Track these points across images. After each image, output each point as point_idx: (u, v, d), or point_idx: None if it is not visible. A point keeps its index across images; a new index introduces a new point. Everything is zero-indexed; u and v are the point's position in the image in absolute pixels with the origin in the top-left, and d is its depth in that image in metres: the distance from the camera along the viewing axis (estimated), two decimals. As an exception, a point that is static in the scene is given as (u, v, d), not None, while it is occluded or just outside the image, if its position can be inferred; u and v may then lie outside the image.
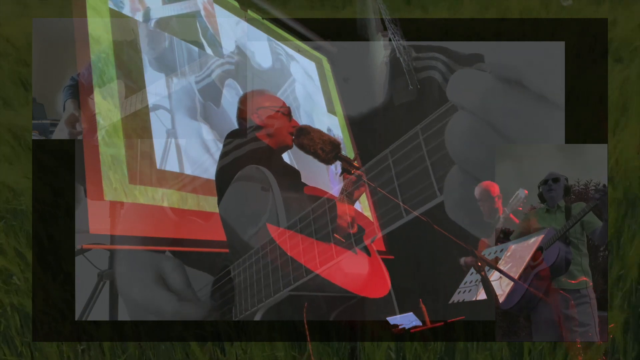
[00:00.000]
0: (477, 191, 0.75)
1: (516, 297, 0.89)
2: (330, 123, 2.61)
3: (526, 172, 0.91)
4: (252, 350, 1.43)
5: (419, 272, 1.98)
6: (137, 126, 1.65)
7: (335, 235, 1.06)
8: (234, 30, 2.28)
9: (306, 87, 2.59)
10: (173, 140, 1.76)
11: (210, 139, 1.89)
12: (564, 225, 0.90)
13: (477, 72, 0.72)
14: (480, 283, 0.89)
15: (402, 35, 2.25)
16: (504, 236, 0.93)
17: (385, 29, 2.29)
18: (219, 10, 2.21)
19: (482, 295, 0.91)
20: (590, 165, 0.90)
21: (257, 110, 1.59)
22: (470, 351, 1.40)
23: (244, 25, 2.36)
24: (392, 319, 1.19)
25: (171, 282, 1.29)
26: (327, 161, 1.11)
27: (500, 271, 0.88)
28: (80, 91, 1.56)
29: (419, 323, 1.19)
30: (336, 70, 2.85)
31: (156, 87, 1.77)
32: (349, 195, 1.10)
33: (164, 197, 1.63)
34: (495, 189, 0.86)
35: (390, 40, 2.27)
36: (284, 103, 1.63)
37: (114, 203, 1.49)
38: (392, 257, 1.95)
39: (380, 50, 2.33)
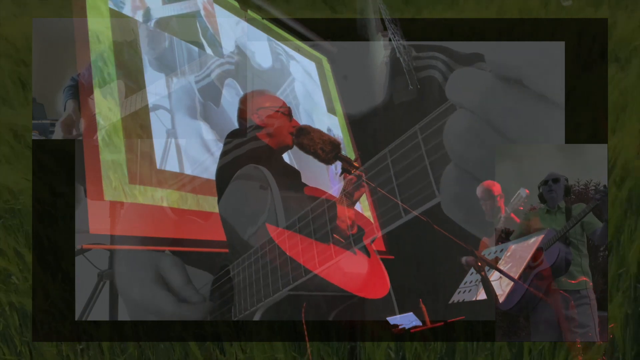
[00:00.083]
0: (478, 190, 0.75)
1: (516, 297, 0.89)
2: (330, 123, 2.61)
3: (526, 172, 0.91)
4: (252, 350, 1.43)
5: (419, 272, 1.98)
6: (137, 126, 1.65)
7: (334, 235, 1.06)
8: (234, 30, 2.28)
9: (306, 86, 2.59)
10: (173, 140, 1.76)
11: (210, 139, 1.89)
12: (564, 225, 0.90)
13: (477, 71, 0.71)
14: (480, 283, 0.89)
15: (402, 35, 2.25)
16: (506, 236, 0.93)
17: (385, 29, 2.29)
18: (219, 10, 2.21)
19: (482, 295, 0.91)
20: (590, 165, 0.90)
21: (258, 111, 1.59)
22: (470, 351, 1.40)
23: (244, 25, 2.36)
24: (392, 319, 1.19)
25: (171, 280, 1.29)
26: (327, 161, 1.11)
27: (500, 271, 0.88)
28: (80, 91, 1.56)
29: (419, 323, 1.19)
30: (336, 70, 2.85)
31: (156, 87, 1.77)
32: (349, 195, 1.10)
33: (163, 197, 1.63)
34: (496, 188, 0.86)
35: (390, 40, 2.27)
36: (284, 103, 1.63)
37: (114, 203, 1.49)
38: (392, 257, 1.94)
39: (380, 50, 2.33)
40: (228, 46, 2.19)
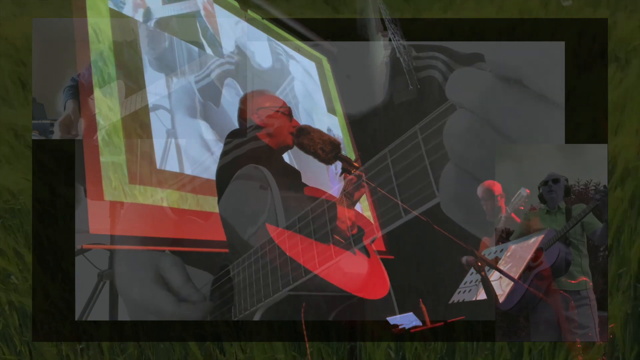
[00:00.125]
0: (479, 190, 0.75)
1: (516, 297, 0.89)
2: (330, 123, 2.61)
3: (526, 172, 0.91)
4: (252, 350, 1.43)
5: (419, 272, 1.98)
6: (137, 126, 1.65)
7: (334, 235, 1.06)
8: (234, 30, 2.28)
9: (306, 86, 2.59)
10: (173, 140, 1.76)
11: (210, 139, 1.89)
12: (564, 226, 0.90)
13: (477, 71, 0.71)
14: (480, 283, 0.89)
15: (402, 35, 2.25)
16: (506, 236, 0.93)
17: (385, 29, 2.29)
18: (219, 10, 2.21)
19: (482, 295, 0.91)
20: (590, 165, 0.90)
21: (258, 111, 1.59)
22: (470, 351, 1.40)
23: (244, 25, 2.36)
24: (392, 319, 1.19)
25: (170, 279, 1.29)
26: (327, 161, 1.11)
27: (500, 271, 0.88)
28: (80, 91, 1.56)
29: (419, 323, 1.19)
30: (336, 70, 2.85)
31: (156, 87, 1.77)
32: (349, 195, 1.10)
33: (163, 197, 1.63)
34: (497, 188, 0.86)
35: (390, 40, 2.27)
36: (284, 103, 1.63)
37: (114, 203, 1.49)
38: (392, 257, 1.94)
39: (380, 50, 2.33)
40: (228, 46, 2.19)
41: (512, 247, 0.92)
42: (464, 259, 0.89)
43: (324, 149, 1.11)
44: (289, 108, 1.61)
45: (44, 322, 1.51)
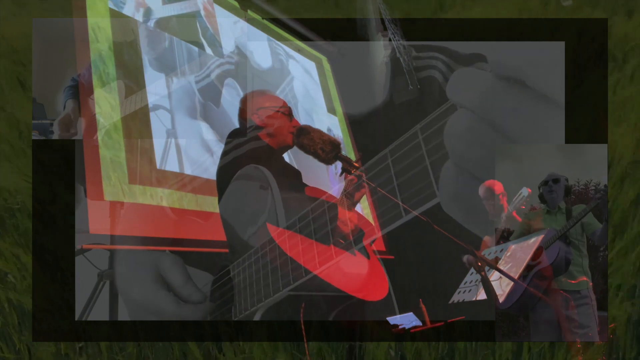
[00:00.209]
0: (481, 190, 0.75)
1: (516, 297, 0.89)
2: (330, 123, 2.61)
3: (526, 172, 0.91)
4: (252, 350, 1.43)
5: (419, 272, 1.98)
6: (137, 126, 1.65)
7: (334, 236, 1.06)
8: (233, 30, 2.28)
9: (306, 86, 2.59)
10: (173, 140, 1.76)
11: (210, 139, 1.89)
12: (564, 225, 0.90)
13: (477, 71, 0.71)
14: (480, 283, 0.89)
15: (402, 35, 2.25)
16: (507, 236, 0.93)
17: (385, 29, 2.30)
18: (219, 10, 2.21)
19: (482, 295, 0.91)
20: (590, 165, 0.90)
21: (258, 111, 1.59)
22: (470, 351, 1.40)
23: (244, 25, 2.36)
24: (392, 319, 1.19)
25: (171, 279, 1.29)
26: (327, 161, 1.11)
27: (500, 271, 0.88)
28: (80, 91, 1.56)
29: (419, 323, 1.19)
30: (336, 70, 2.85)
31: (156, 86, 1.77)
32: (350, 196, 1.10)
33: (163, 197, 1.63)
34: (498, 187, 0.86)
35: (390, 40, 2.27)
36: (284, 103, 1.63)
37: (114, 203, 1.49)
38: (392, 257, 1.95)
39: (380, 50, 2.33)
40: (228, 46, 2.19)
41: (512, 247, 0.92)
42: (465, 257, 0.89)
43: (324, 149, 1.11)
44: (289, 108, 1.61)
45: (44, 322, 1.50)
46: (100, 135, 1.53)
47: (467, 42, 2.17)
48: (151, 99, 1.73)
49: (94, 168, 1.48)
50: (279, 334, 1.41)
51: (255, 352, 1.42)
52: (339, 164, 1.10)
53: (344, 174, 1.15)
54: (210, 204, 1.76)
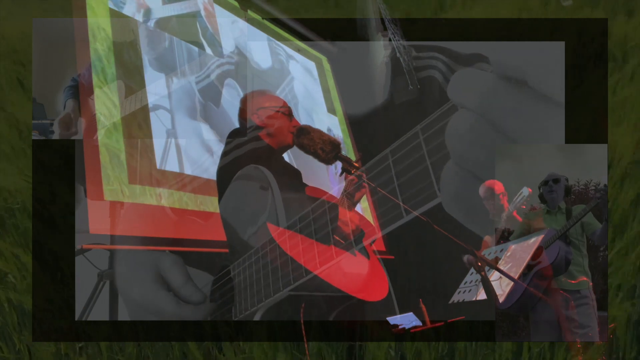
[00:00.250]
0: (481, 190, 0.75)
1: (516, 297, 0.89)
2: (330, 123, 2.61)
3: (526, 172, 0.91)
4: (252, 350, 1.43)
5: (419, 272, 1.98)
6: (137, 126, 1.65)
7: (334, 236, 1.06)
8: (233, 30, 2.28)
9: (306, 86, 2.59)
10: (173, 140, 1.76)
11: (210, 139, 1.89)
12: (564, 224, 0.90)
13: (479, 72, 0.72)
14: (480, 283, 0.89)
15: (402, 35, 2.25)
16: (508, 235, 0.93)
17: (385, 29, 2.30)
18: (219, 10, 2.21)
19: (482, 295, 0.91)
20: (590, 165, 0.90)
21: (257, 111, 1.59)
22: (470, 351, 1.40)
23: (244, 25, 2.36)
24: (392, 319, 1.19)
25: (171, 279, 1.29)
26: (327, 161, 1.11)
27: (500, 271, 0.88)
28: (80, 91, 1.56)
29: (419, 323, 1.20)
30: (336, 70, 2.85)
31: (156, 87, 1.77)
32: (350, 196, 1.10)
33: (164, 197, 1.63)
34: (499, 187, 0.86)
35: (390, 40, 2.27)
36: (284, 103, 1.63)
37: (114, 203, 1.49)
38: (392, 257, 1.95)
39: (380, 50, 2.33)
40: (228, 46, 2.19)
41: (512, 247, 0.92)
42: (466, 257, 0.89)
43: (324, 149, 1.11)
44: (289, 108, 1.61)
45: (44, 322, 1.50)
46: (100, 135, 1.53)
47: (467, 42, 2.17)
48: (151, 99, 1.73)
49: (94, 168, 1.48)
50: (279, 334, 1.41)
51: (255, 352, 1.42)
52: (339, 164, 1.10)
53: (344, 174, 1.15)
54: (210, 204, 1.76)
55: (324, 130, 1.30)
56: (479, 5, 2.85)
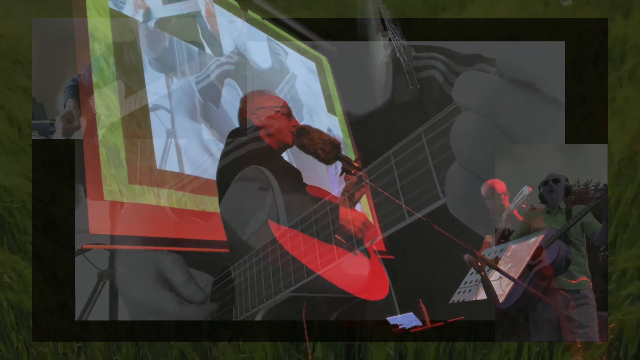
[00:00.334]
0: (483, 189, 0.75)
1: (516, 297, 0.89)
2: (330, 123, 2.61)
3: (526, 172, 0.91)
4: (252, 350, 1.43)
5: (419, 272, 1.98)
6: (137, 126, 1.65)
7: (336, 236, 1.06)
8: (233, 31, 2.28)
9: (306, 86, 2.59)
10: (173, 140, 1.76)
11: (210, 139, 1.89)
12: (564, 224, 0.90)
13: (483, 74, 0.71)
14: (480, 283, 0.89)
15: (402, 35, 2.25)
16: (508, 235, 0.93)
17: (385, 29, 2.30)
18: (219, 10, 2.21)
19: (482, 295, 0.91)
20: (590, 165, 0.90)
21: (256, 111, 1.58)
22: (470, 351, 1.40)
23: (244, 25, 2.36)
24: (393, 319, 1.19)
25: (172, 278, 1.28)
26: (327, 161, 1.11)
27: (500, 271, 0.88)
28: (80, 91, 1.56)
29: (419, 323, 1.20)
30: (336, 70, 2.85)
31: (156, 87, 1.77)
32: (351, 196, 1.10)
33: (163, 197, 1.63)
34: (500, 186, 0.86)
35: (390, 40, 2.28)
36: (284, 103, 1.62)
37: (114, 203, 1.49)
38: (392, 257, 1.95)
39: (380, 50, 2.34)
40: (228, 46, 2.19)
41: (512, 247, 0.92)
42: (466, 256, 0.89)
43: (324, 149, 1.11)
44: (289, 108, 1.61)
45: (44, 322, 1.50)
46: (100, 135, 1.53)
47: (467, 42, 2.17)
48: (151, 99, 1.73)
49: (94, 168, 1.48)
50: (279, 335, 1.41)
51: (255, 352, 1.42)
52: (339, 164, 1.10)
53: (344, 174, 1.15)
54: (210, 204, 1.76)
55: (324, 130, 1.30)
56: (479, 5, 2.85)
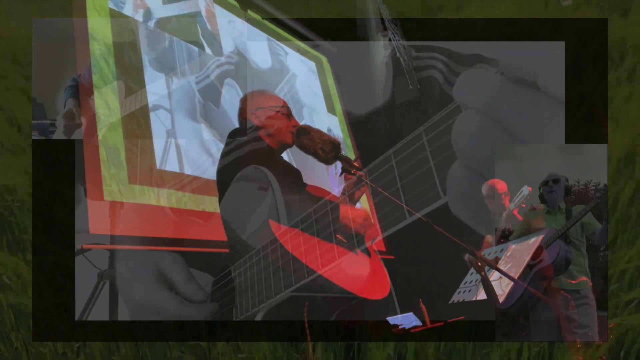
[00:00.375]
0: (484, 189, 0.75)
1: (516, 297, 0.89)
2: (330, 123, 2.61)
3: (526, 172, 0.91)
4: (252, 350, 1.43)
5: (419, 272, 1.98)
6: (137, 126, 1.65)
7: (337, 235, 1.05)
8: (233, 31, 2.28)
9: (306, 86, 2.59)
10: (173, 140, 1.76)
11: (210, 139, 1.89)
12: (564, 224, 0.90)
13: (485, 72, 0.71)
14: (480, 283, 0.89)
15: (402, 35, 2.25)
16: (509, 235, 0.93)
17: (385, 29, 2.30)
18: (219, 10, 2.21)
19: (482, 295, 0.91)
20: (590, 165, 0.90)
21: (256, 111, 1.58)
22: (470, 351, 1.40)
23: (244, 25, 2.36)
24: (393, 319, 1.19)
25: (172, 278, 1.28)
26: (327, 161, 1.11)
27: (500, 271, 0.88)
28: (80, 91, 1.56)
29: (419, 323, 1.20)
30: (336, 70, 2.85)
31: (156, 87, 1.77)
32: (350, 196, 1.10)
33: (163, 197, 1.63)
34: (501, 186, 0.86)
35: (390, 40, 2.28)
36: (284, 103, 1.63)
37: (114, 203, 1.49)
38: (392, 257, 1.95)
39: (380, 50, 2.34)
40: (228, 46, 2.19)
41: (512, 247, 0.92)
42: (466, 256, 0.89)
43: (324, 149, 1.11)
44: (288, 108, 1.61)
45: (44, 322, 1.50)
46: (100, 135, 1.53)
47: (467, 42, 2.17)
48: (151, 99, 1.73)
49: (94, 168, 1.48)
50: (279, 335, 1.41)
51: (255, 352, 1.42)
52: (339, 164, 1.10)
53: (344, 174, 1.15)
54: (210, 204, 1.76)
55: (324, 130, 1.30)
56: (478, 5, 2.85)
